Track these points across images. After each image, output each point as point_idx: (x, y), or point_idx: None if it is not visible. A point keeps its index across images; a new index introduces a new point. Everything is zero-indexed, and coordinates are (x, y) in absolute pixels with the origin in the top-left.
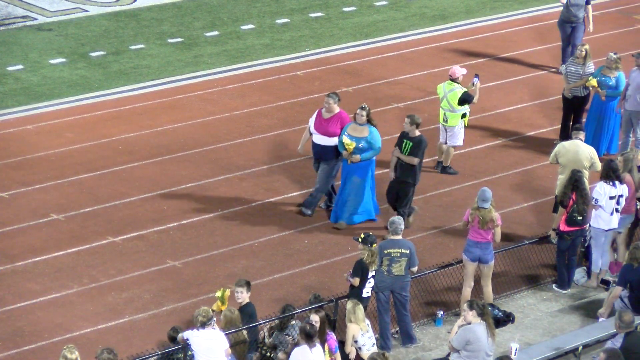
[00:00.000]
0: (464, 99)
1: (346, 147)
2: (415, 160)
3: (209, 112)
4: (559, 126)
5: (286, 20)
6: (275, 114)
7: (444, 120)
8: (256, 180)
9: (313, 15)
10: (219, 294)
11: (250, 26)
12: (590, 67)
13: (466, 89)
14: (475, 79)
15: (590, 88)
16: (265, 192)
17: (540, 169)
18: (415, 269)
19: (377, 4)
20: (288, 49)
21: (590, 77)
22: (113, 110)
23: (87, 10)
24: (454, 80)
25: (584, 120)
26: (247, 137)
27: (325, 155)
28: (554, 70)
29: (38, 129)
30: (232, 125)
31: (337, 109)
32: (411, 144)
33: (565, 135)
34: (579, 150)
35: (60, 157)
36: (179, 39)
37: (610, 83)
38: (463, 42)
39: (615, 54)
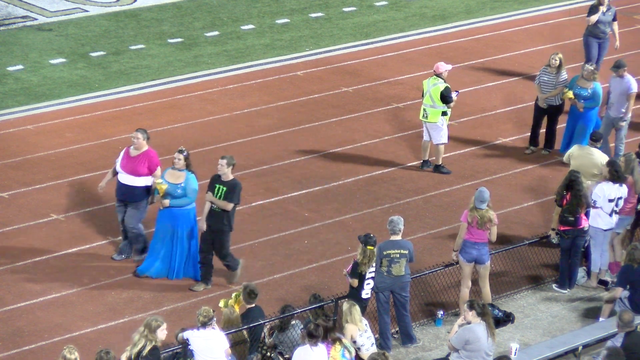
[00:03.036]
0: (444, 95)
1: (157, 188)
2: (229, 206)
3: (209, 112)
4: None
5: (286, 20)
6: (275, 114)
7: (423, 116)
8: (256, 180)
9: (313, 15)
10: (222, 303)
11: (250, 26)
12: (564, 75)
13: (448, 85)
14: (455, 94)
15: (566, 99)
16: (265, 192)
17: (540, 169)
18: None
19: (377, 4)
20: (288, 49)
21: (566, 89)
22: (113, 110)
23: (87, 10)
24: (438, 75)
25: (560, 126)
26: (247, 137)
27: (132, 197)
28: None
29: (38, 129)
30: (232, 125)
31: (145, 146)
32: (225, 188)
33: (535, 143)
34: (593, 158)
35: (60, 157)
36: (179, 39)
37: (586, 94)
38: (463, 42)
39: (591, 65)
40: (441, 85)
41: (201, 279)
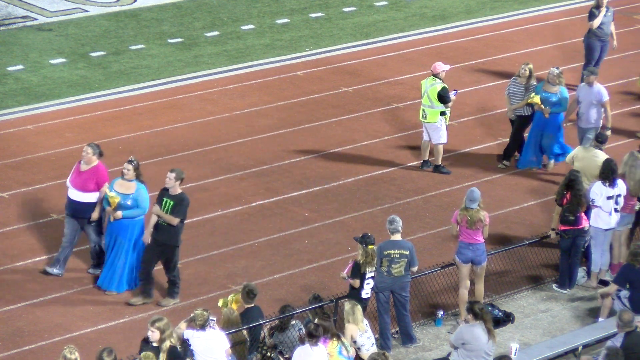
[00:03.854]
0: (441, 95)
1: (110, 201)
2: (175, 221)
3: (209, 112)
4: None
5: (286, 20)
6: (275, 114)
7: (422, 116)
8: (256, 180)
9: (313, 15)
10: (220, 303)
11: (250, 26)
12: (534, 86)
13: (445, 85)
14: (453, 93)
15: (534, 105)
16: (265, 192)
17: (539, 169)
18: (415, 268)
19: (377, 4)
20: (288, 49)
21: (533, 94)
22: (113, 110)
23: (87, 10)
24: (435, 75)
25: (525, 134)
26: (247, 137)
27: (82, 213)
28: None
29: (38, 129)
30: (232, 125)
31: (95, 160)
32: (172, 202)
33: (520, 149)
34: (597, 160)
35: (60, 157)
36: (179, 39)
37: (553, 99)
38: (463, 42)
39: (557, 68)
40: (438, 86)
41: (141, 292)
